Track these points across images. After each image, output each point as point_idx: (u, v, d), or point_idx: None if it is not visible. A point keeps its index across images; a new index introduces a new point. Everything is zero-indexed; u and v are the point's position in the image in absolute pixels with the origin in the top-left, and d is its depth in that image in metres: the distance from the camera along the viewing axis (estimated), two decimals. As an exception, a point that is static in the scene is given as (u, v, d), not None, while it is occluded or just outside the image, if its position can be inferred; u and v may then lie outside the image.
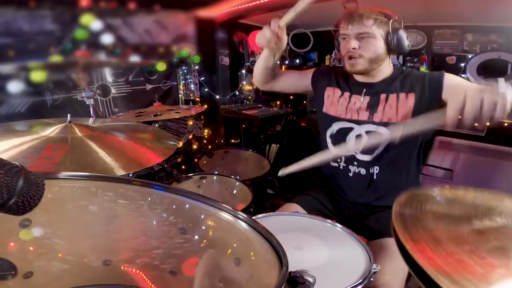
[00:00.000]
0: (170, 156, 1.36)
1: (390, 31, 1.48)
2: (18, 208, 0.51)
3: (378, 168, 1.59)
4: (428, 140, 1.59)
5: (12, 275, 0.63)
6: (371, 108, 1.58)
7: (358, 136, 1.60)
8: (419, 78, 1.54)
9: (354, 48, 1.50)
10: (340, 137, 1.65)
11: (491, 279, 0.50)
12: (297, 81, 1.88)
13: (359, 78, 1.64)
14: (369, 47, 1.49)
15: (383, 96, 1.56)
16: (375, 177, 1.60)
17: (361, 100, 1.60)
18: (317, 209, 1.64)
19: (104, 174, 0.90)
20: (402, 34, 1.49)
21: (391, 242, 1.37)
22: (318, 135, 1.79)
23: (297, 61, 4.22)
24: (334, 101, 1.69)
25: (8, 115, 2.29)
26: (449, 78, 1.49)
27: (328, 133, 1.69)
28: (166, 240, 0.85)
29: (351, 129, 1.62)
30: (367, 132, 1.58)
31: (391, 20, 1.48)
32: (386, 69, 1.60)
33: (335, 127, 1.67)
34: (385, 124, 1.54)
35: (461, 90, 1.11)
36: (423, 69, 3.20)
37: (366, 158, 1.60)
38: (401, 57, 3.42)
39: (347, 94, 1.65)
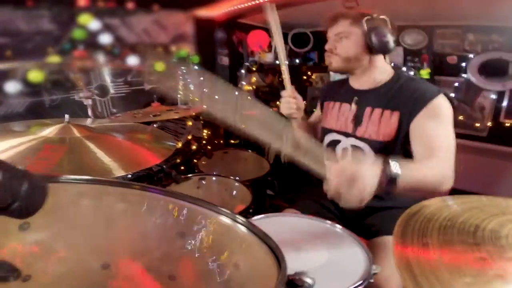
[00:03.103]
0: (169, 156, 1.36)
1: (366, 30, 1.47)
2: (22, 211, 0.51)
3: None
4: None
5: (14, 277, 0.62)
6: (356, 120, 1.57)
7: (345, 149, 1.59)
8: (411, 92, 1.43)
9: (329, 49, 1.57)
10: (330, 150, 1.66)
11: (453, 283, 0.54)
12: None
13: (354, 84, 1.65)
14: (343, 47, 1.53)
15: (368, 109, 1.53)
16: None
17: (349, 110, 1.60)
18: (318, 213, 1.63)
19: (104, 178, 0.89)
20: (381, 31, 1.44)
21: (390, 240, 1.36)
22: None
23: (297, 61, 4.22)
24: (328, 113, 1.71)
25: (5, 115, 2.28)
26: (435, 106, 1.36)
27: (324, 145, 1.70)
28: (164, 243, 0.85)
29: (338, 141, 1.63)
30: (352, 146, 1.57)
31: (365, 18, 1.47)
32: (379, 74, 1.56)
33: (327, 139, 1.68)
34: (365, 140, 1.52)
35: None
36: (424, 71, 3.19)
37: None
38: (402, 57, 3.41)
39: (337, 104, 1.67)
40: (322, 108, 1.81)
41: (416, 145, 1.37)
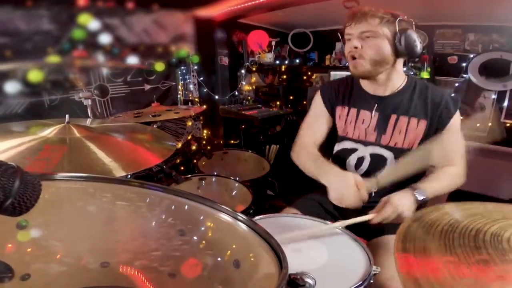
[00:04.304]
0: (169, 157, 1.35)
1: (397, 31, 1.38)
2: (15, 209, 0.51)
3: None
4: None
5: (9, 278, 0.62)
6: (380, 129, 1.52)
7: (360, 158, 1.56)
8: (436, 102, 1.46)
9: (355, 47, 1.41)
10: (340, 158, 1.61)
11: (454, 284, 0.55)
12: (322, 126, 1.66)
13: (369, 89, 1.56)
14: (372, 47, 1.40)
15: (393, 117, 1.50)
16: (373, 194, 1.57)
17: (371, 117, 1.54)
18: (317, 213, 1.62)
19: (102, 175, 0.89)
20: (412, 34, 1.38)
21: (392, 239, 1.36)
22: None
23: (297, 61, 4.21)
24: (342, 119, 1.62)
25: (5, 115, 2.28)
26: (454, 120, 1.48)
27: (333, 152, 1.66)
28: (164, 241, 0.84)
29: (354, 150, 1.57)
30: (371, 155, 1.54)
31: (398, 19, 1.38)
32: (397, 79, 1.52)
33: (338, 146, 1.63)
34: (391, 149, 1.51)
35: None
36: (424, 73, 3.18)
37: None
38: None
39: (354, 110, 1.58)
40: (329, 107, 1.66)
41: (437, 156, 1.46)
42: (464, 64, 3.13)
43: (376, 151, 1.53)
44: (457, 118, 1.47)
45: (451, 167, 1.49)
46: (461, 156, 1.51)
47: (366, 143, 1.55)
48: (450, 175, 1.47)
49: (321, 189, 1.73)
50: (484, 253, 0.61)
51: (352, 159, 1.58)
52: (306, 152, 1.60)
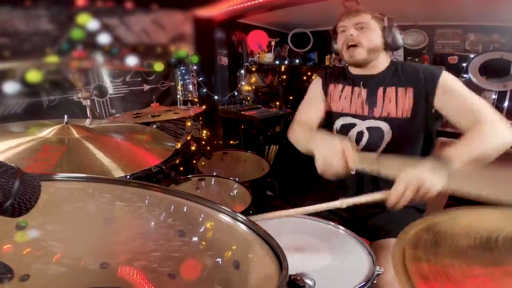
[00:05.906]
0: (168, 157, 1.35)
1: (386, 25, 1.54)
2: (14, 210, 0.51)
3: None
4: (430, 137, 1.58)
5: (9, 278, 0.61)
6: (370, 102, 1.58)
7: (360, 132, 1.59)
8: (415, 71, 1.53)
9: (351, 35, 1.53)
10: (341, 135, 1.63)
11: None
12: (317, 105, 1.74)
13: (356, 72, 1.65)
14: (367, 36, 1.53)
15: (380, 89, 1.56)
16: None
17: (360, 92, 1.61)
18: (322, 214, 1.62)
19: (101, 176, 0.88)
20: (396, 30, 1.56)
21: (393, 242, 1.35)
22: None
23: (297, 61, 4.22)
24: (335, 96, 1.68)
25: (3, 116, 2.27)
26: (445, 80, 1.44)
27: (334, 129, 1.68)
28: (164, 242, 0.84)
29: (353, 125, 1.61)
30: (368, 128, 1.57)
31: (386, 17, 1.55)
32: (382, 63, 1.60)
33: (338, 123, 1.66)
34: (385, 119, 1.54)
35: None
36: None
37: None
38: (402, 57, 3.42)
39: (348, 87, 1.65)
40: (324, 88, 1.74)
41: (457, 119, 1.40)
42: (464, 64, 3.13)
43: (372, 124, 1.57)
44: (448, 78, 1.44)
45: (481, 124, 1.30)
46: (486, 111, 1.34)
47: (363, 118, 1.59)
48: (481, 132, 1.28)
49: (325, 191, 1.74)
50: (495, 253, 0.61)
51: (352, 135, 1.62)
52: (299, 127, 1.67)
